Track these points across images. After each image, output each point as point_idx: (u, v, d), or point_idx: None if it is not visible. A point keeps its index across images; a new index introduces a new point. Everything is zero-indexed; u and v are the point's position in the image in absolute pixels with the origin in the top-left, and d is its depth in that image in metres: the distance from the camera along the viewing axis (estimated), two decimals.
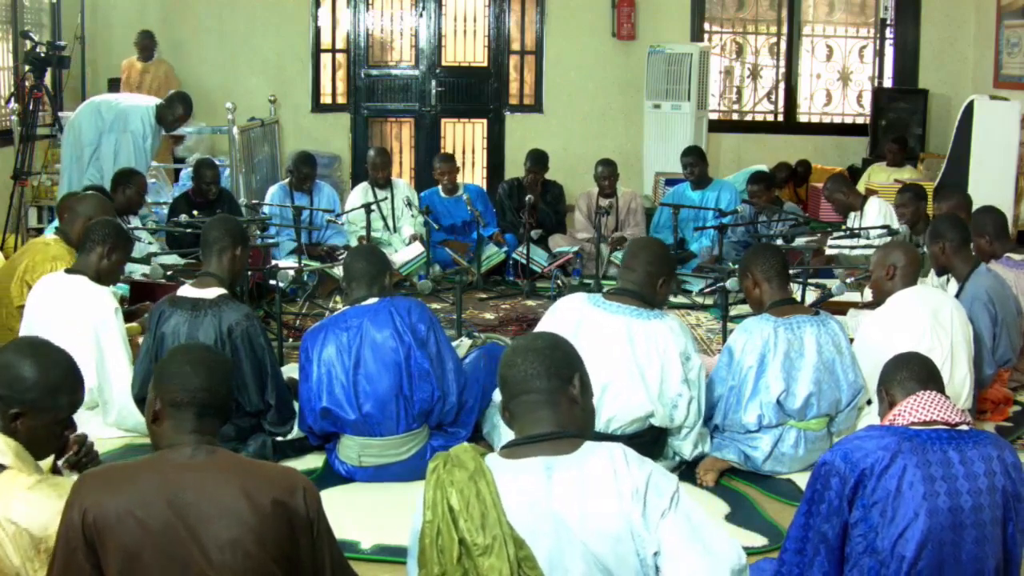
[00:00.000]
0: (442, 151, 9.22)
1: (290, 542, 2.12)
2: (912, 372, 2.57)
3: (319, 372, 3.68)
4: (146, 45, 8.66)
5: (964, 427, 2.44)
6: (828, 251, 6.40)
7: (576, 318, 3.65)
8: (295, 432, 3.92)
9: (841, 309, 5.04)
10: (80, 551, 2.04)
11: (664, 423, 3.67)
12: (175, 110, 6.65)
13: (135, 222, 5.98)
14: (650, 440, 3.73)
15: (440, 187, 7.42)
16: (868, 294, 5.20)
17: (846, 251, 6.24)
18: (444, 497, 2.08)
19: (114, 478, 2.10)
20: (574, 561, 2.03)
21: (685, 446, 3.78)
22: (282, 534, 2.10)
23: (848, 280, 5.13)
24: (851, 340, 4.04)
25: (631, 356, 3.60)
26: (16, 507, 2.16)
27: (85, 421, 4.03)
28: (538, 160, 7.56)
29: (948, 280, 4.76)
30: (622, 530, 2.02)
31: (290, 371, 4.35)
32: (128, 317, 4.69)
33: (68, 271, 4.24)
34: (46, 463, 2.49)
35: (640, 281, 3.73)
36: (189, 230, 5.72)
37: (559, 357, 2.21)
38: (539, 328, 3.76)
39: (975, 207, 5.42)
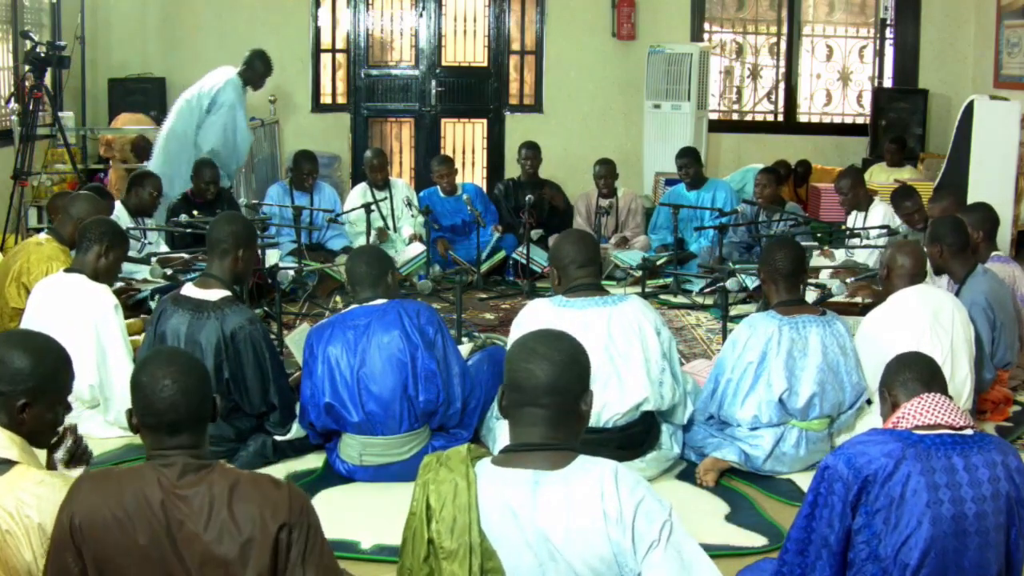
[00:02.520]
0: (441, 152, 9.23)
1: (275, 565, 2.07)
2: (915, 373, 2.56)
3: (323, 369, 3.69)
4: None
5: (968, 431, 2.42)
6: (832, 256, 6.37)
7: (546, 323, 3.59)
8: (295, 431, 3.92)
9: (843, 310, 5.03)
10: (69, 553, 2.04)
11: (657, 405, 3.68)
12: (256, 69, 6.99)
13: (150, 223, 6.00)
14: (642, 430, 3.75)
15: (439, 188, 7.42)
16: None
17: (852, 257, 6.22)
18: (425, 495, 2.09)
19: (106, 485, 2.09)
20: None
21: (678, 413, 3.84)
22: (267, 558, 2.05)
23: (848, 280, 5.13)
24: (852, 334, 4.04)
25: (612, 344, 3.63)
26: (29, 502, 2.17)
27: (86, 420, 4.04)
28: (531, 146, 7.67)
29: (947, 282, 4.76)
30: (605, 552, 2.00)
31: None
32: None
33: (67, 271, 4.24)
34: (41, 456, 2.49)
35: (595, 272, 3.82)
36: (189, 230, 5.73)
37: (576, 373, 2.15)
38: (509, 343, 3.77)
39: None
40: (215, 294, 3.82)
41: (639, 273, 6.70)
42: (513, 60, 9.76)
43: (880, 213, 6.30)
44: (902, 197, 6.03)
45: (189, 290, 3.87)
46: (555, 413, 2.12)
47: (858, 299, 5.32)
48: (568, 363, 2.14)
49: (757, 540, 3.35)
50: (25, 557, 2.16)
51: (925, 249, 4.75)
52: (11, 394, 2.31)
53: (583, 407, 2.16)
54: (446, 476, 2.08)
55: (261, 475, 2.20)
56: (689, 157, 7.41)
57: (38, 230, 6.85)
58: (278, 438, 3.90)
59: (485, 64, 9.74)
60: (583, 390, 2.16)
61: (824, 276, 5.71)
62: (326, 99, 9.67)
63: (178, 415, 2.13)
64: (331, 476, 3.80)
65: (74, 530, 2.03)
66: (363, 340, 3.66)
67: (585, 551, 2.00)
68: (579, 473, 2.06)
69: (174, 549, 2.03)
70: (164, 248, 6.13)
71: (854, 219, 6.42)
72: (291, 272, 5.53)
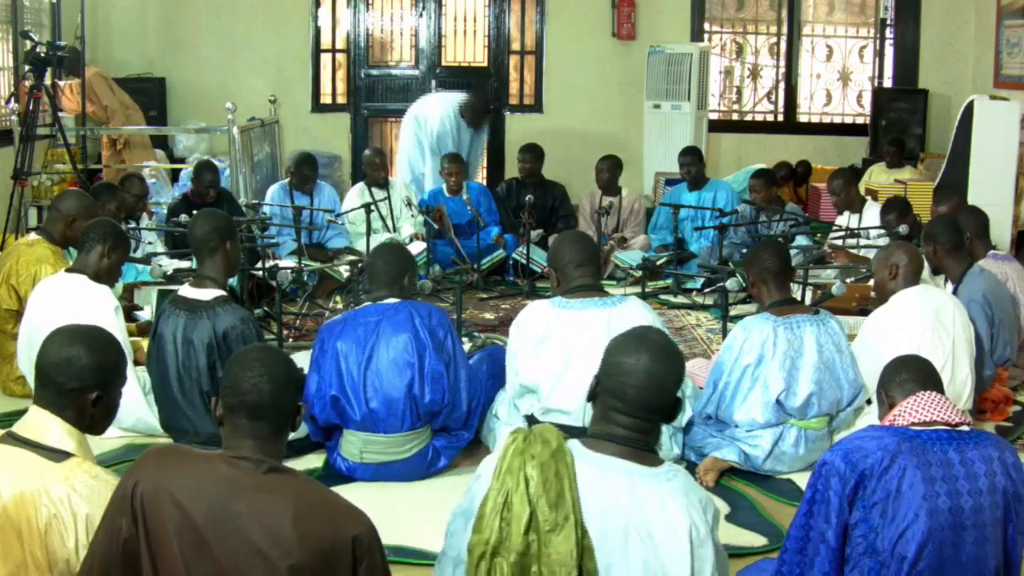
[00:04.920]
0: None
1: None
2: (912, 374, 2.58)
3: (331, 363, 3.70)
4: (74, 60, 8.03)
5: (964, 427, 2.44)
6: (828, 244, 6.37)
7: (544, 324, 3.67)
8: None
9: (842, 310, 5.04)
10: (125, 517, 2.05)
11: None
12: (472, 108, 7.86)
13: (150, 223, 6.01)
14: None
15: (445, 186, 7.41)
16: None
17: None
18: (521, 466, 2.06)
19: (176, 463, 2.10)
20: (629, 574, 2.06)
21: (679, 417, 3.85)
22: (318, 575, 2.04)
23: (848, 280, 5.13)
24: (852, 337, 4.04)
25: None
26: (81, 491, 2.22)
27: None
28: (529, 149, 7.63)
29: (945, 282, 4.77)
30: (683, 559, 2.07)
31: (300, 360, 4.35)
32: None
33: (68, 271, 4.24)
34: None
35: (595, 272, 3.81)
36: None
37: (678, 392, 2.24)
38: (509, 344, 3.80)
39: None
40: (209, 294, 3.85)
41: (639, 273, 6.70)
42: (513, 60, 9.77)
43: (875, 214, 6.30)
44: (884, 210, 5.97)
45: (185, 291, 3.91)
46: (650, 424, 2.22)
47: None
48: (676, 383, 2.23)
49: (757, 540, 3.36)
50: (68, 545, 2.18)
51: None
52: (83, 389, 2.36)
53: (671, 421, 2.29)
54: (543, 450, 2.09)
55: (340, 501, 2.16)
56: (692, 156, 7.39)
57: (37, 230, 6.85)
58: None
59: (485, 64, 9.75)
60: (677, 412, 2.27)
61: (830, 275, 5.71)
62: (326, 99, 9.67)
63: (260, 398, 2.14)
64: (332, 475, 3.79)
65: (135, 496, 2.04)
66: (373, 337, 3.68)
67: (661, 554, 2.06)
68: (672, 478, 2.14)
69: (224, 544, 2.01)
70: (163, 248, 6.14)
71: (847, 219, 6.43)
72: (291, 272, 5.53)
